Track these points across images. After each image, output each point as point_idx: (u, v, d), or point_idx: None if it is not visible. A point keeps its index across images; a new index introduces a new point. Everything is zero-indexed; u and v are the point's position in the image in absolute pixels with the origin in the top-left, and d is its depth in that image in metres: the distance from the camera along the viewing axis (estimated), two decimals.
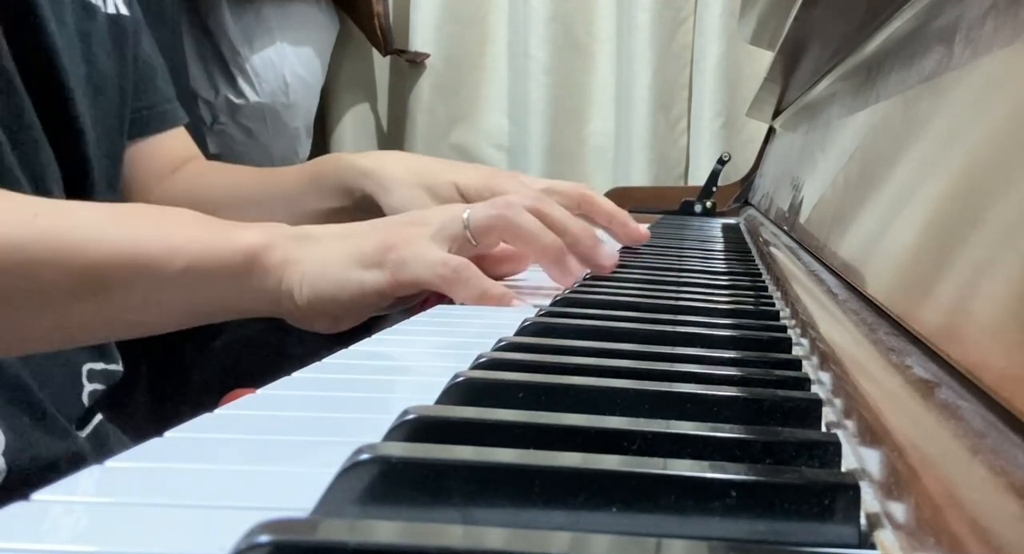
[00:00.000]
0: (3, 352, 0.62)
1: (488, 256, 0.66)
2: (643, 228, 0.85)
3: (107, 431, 0.78)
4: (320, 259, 0.58)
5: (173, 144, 0.90)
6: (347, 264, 0.58)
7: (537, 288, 0.69)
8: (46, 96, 0.70)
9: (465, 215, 0.62)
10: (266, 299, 0.58)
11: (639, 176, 1.93)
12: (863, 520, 0.25)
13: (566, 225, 0.65)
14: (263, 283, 0.58)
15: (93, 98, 0.75)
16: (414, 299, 0.64)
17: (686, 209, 1.50)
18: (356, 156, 0.84)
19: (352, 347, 0.48)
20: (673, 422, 0.31)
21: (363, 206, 0.80)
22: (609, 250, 0.69)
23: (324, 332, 0.61)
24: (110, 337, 0.63)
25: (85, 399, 0.75)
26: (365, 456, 0.25)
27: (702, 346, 0.45)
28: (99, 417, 0.78)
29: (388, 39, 1.91)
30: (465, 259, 0.60)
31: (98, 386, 0.76)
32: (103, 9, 0.77)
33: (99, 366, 0.77)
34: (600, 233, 0.75)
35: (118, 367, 0.79)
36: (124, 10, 0.80)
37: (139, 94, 0.85)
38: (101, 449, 0.75)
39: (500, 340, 0.43)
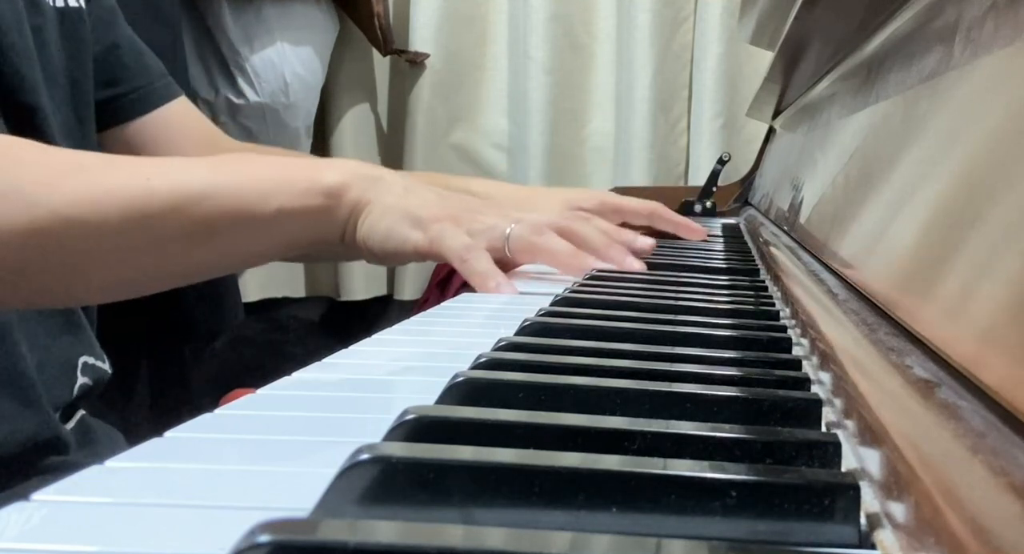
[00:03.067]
0: (132, 293, 0.67)
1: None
2: (701, 228, 1.07)
3: (90, 424, 0.79)
4: (382, 205, 0.67)
5: (183, 110, 0.94)
6: (400, 218, 0.67)
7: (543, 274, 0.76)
8: (12, 93, 0.70)
9: (508, 231, 0.71)
10: (337, 231, 0.67)
11: (639, 176, 1.93)
12: (863, 520, 0.25)
13: (596, 244, 0.74)
14: (337, 217, 0.66)
15: (49, 90, 0.76)
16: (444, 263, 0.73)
17: (686, 209, 1.50)
18: (462, 180, 0.98)
19: (352, 347, 0.49)
20: (673, 422, 0.31)
21: None
22: (634, 261, 0.76)
23: (372, 263, 0.72)
24: (217, 273, 0.69)
25: (75, 391, 0.75)
26: (365, 456, 0.25)
27: (702, 346, 0.45)
28: (82, 412, 0.78)
29: (388, 39, 1.91)
30: (486, 254, 0.68)
31: (87, 381, 0.77)
32: (51, 3, 0.78)
33: (90, 361, 0.78)
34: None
35: (106, 367, 0.80)
36: (74, 3, 0.80)
37: (132, 75, 0.87)
38: (85, 438, 0.76)
39: (500, 340, 0.43)
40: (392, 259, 0.69)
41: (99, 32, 0.84)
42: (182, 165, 0.65)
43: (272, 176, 0.64)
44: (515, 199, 0.96)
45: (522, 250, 0.71)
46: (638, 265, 0.75)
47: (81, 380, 0.76)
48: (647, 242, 0.83)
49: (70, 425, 0.75)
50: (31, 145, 0.60)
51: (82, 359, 0.77)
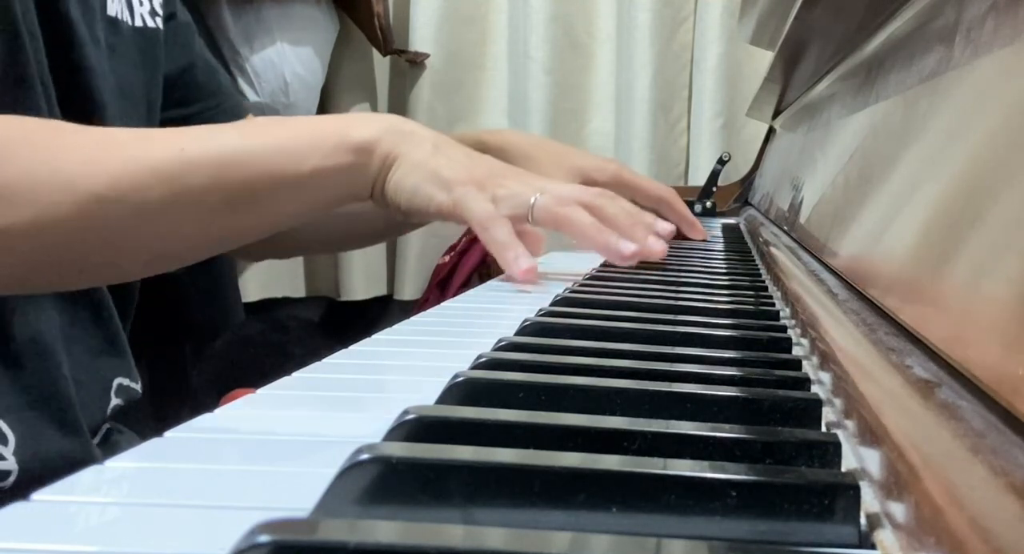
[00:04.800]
0: (176, 264, 0.67)
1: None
2: (703, 231, 1.06)
3: (117, 438, 0.78)
4: (411, 161, 0.68)
5: None
6: (427, 177, 0.68)
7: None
8: (80, 111, 0.70)
9: (532, 200, 0.70)
10: (367, 183, 0.68)
11: None
12: (863, 520, 0.25)
13: (621, 223, 0.73)
14: (368, 171, 0.67)
15: (121, 110, 0.75)
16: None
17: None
18: (478, 133, 0.97)
19: (352, 347, 0.49)
20: (673, 422, 0.31)
21: None
22: (657, 242, 0.75)
23: (397, 219, 0.72)
24: (255, 237, 0.69)
25: (108, 412, 0.75)
26: (365, 456, 0.25)
27: (702, 346, 0.45)
28: (107, 425, 0.78)
29: (388, 39, 1.91)
30: (508, 224, 0.69)
31: (120, 402, 0.77)
32: (130, 23, 0.77)
33: (125, 382, 0.77)
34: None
35: (137, 387, 0.80)
36: (152, 23, 0.80)
37: (206, 94, 0.87)
38: (112, 453, 0.75)
39: (500, 340, 0.43)
40: (416, 216, 0.70)
41: (176, 53, 0.84)
42: (213, 132, 0.65)
43: (303, 136, 0.65)
44: (527, 153, 0.95)
45: (546, 220, 0.71)
46: (661, 247, 0.74)
47: (115, 401, 0.76)
48: (667, 227, 0.82)
49: (96, 440, 0.75)
50: (67, 126, 0.60)
51: (117, 381, 0.76)
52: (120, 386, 0.77)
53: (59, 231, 0.56)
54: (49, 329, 0.67)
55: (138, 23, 0.78)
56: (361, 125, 0.67)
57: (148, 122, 0.79)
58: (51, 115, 0.67)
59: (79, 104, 0.70)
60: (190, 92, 0.86)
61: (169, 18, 0.82)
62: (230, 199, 0.61)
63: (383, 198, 0.68)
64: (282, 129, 0.66)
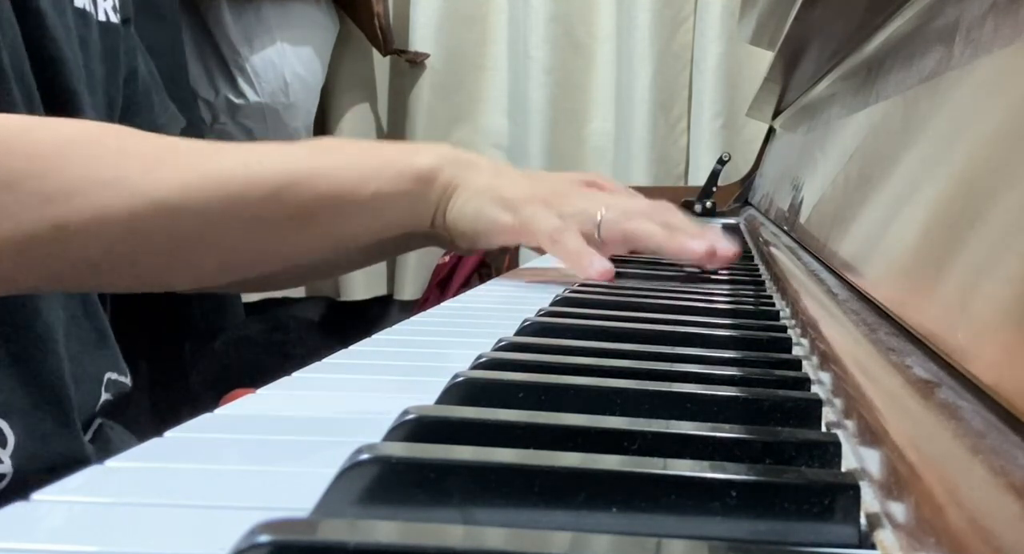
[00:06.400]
0: (233, 277, 0.67)
1: None
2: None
3: (107, 433, 0.78)
4: (472, 188, 0.68)
5: None
6: (490, 200, 0.68)
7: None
8: (57, 104, 0.70)
9: (599, 216, 0.70)
10: (428, 214, 0.67)
11: (639, 176, 1.93)
12: (863, 520, 0.25)
13: (688, 229, 0.73)
14: (428, 199, 0.67)
15: (93, 105, 0.75)
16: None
17: (686, 209, 1.50)
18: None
19: (352, 347, 0.49)
20: (673, 422, 0.31)
21: None
22: (727, 241, 0.75)
23: (462, 249, 0.72)
24: (312, 259, 0.68)
25: (98, 407, 0.75)
26: (365, 456, 0.25)
27: (702, 346, 0.45)
28: (99, 420, 0.78)
29: (388, 39, 1.91)
30: (576, 232, 0.69)
31: (109, 396, 0.76)
32: (95, 17, 0.77)
33: (114, 376, 0.77)
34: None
35: (127, 381, 0.80)
36: (114, 18, 0.80)
37: (137, 109, 0.85)
38: (104, 449, 0.75)
39: (500, 340, 0.43)
40: (481, 241, 0.70)
41: (128, 56, 0.83)
42: (279, 150, 0.65)
43: (367, 160, 0.65)
44: None
45: (614, 235, 0.70)
46: (732, 250, 0.73)
47: (104, 396, 0.76)
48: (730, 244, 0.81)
49: (88, 436, 0.75)
50: (132, 132, 0.60)
51: (108, 375, 0.76)
52: (110, 380, 0.76)
53: (116, 234, 0.55)
54: (54, 325, 0.67)
55: (101, 18, 0.78)
56: (423, 153, 0.67)
57: (109, 118, 0.79)
58: (30, 109, 0.67)
59: (56, 97, 0.70)
60: (125, 102, 0.85)
61: (124, 22, 0.82)
62: (290, 217, 0.61)
63: (444, 226, 0.68)
64: (347, 151, 0.66)
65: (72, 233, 0.54)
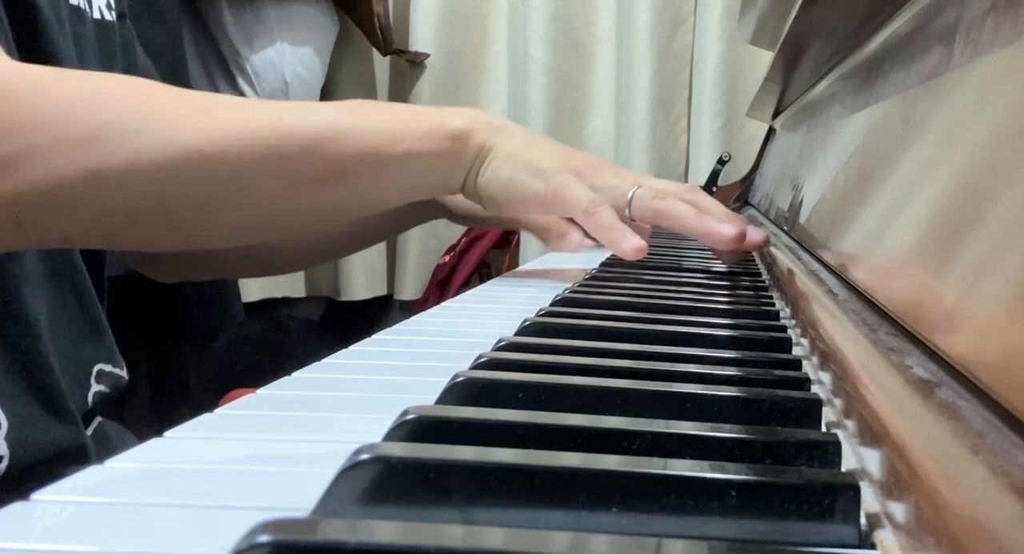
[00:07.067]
0: (262, 236, 0.68)
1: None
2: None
3: (107, 430, 0.78)
4: (505, 153, 0.67)
5: None
6: (522, 167, 0.68)
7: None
8: None
9: (630, 195, 0.71)
10: (459, 176, 0.67)
11: None
12: (863, 520, 0.25)
13: (713, 211, 0.73)
14: (460, 161, 0.67)
15: None
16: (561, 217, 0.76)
17: None
18: None
19: (352, 347, 0.49)
20: (673, 422, 0.31)
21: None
22: (754, 228, 0.75)
23: (489, 215, 0.73)
24: (342, 218, 0.69)
25: (90, 399, 0.75)
26: (365, 456, 0.25)
27: (702, 346, 0.45)
28: (99, 419, 0.78)
29: (388, 39, 1.91)
30: (609, 207, 0.69)
31: (103, 388, 0.76)
32: (90, 14, 0.77)
33: (107, 368, 0.77)
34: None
35: (123, 373, 0.79)
36: (108, 16, 0.80)
37: None
38: (105, 445, 0.75)
39: (500, 340, 0.43)
40: (511, 208, 0.69)
41: (125, 51, 0.83)
42: (312, 107, 0.65)
43: (399, 119, 0.65)
44: None
45: (644, 212, 0.71)
46: (761, 235, 0.74)
47: (96, 387, 0.75)
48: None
49: (88, 431, 0.75)
50: (162, 86, 0.60)
51: (97, 367, 0.76)
52: (102, 372, 0.76)
53: (150, 182, 0.55)
54: (39, 313, 0.67)
55: (96, 15, 0.78)
56: (456, 115, 0.67)
57: None
58: None
59: None
60: None
61: (120, 17, 0.82)
62: (322, 173, 0.61)
63: (475, 190, 0.68)
64: (379, 111, 0.66)
65: (105, 179, 0.54)
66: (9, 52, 0.64)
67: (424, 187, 0.68)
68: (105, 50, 0.79)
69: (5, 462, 0.63)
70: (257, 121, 0.59)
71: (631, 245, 0.67)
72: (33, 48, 0.67)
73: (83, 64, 0.74)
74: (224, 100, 0.62)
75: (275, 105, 0.62)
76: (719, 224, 0.71)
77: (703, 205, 0.72)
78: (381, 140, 0.62)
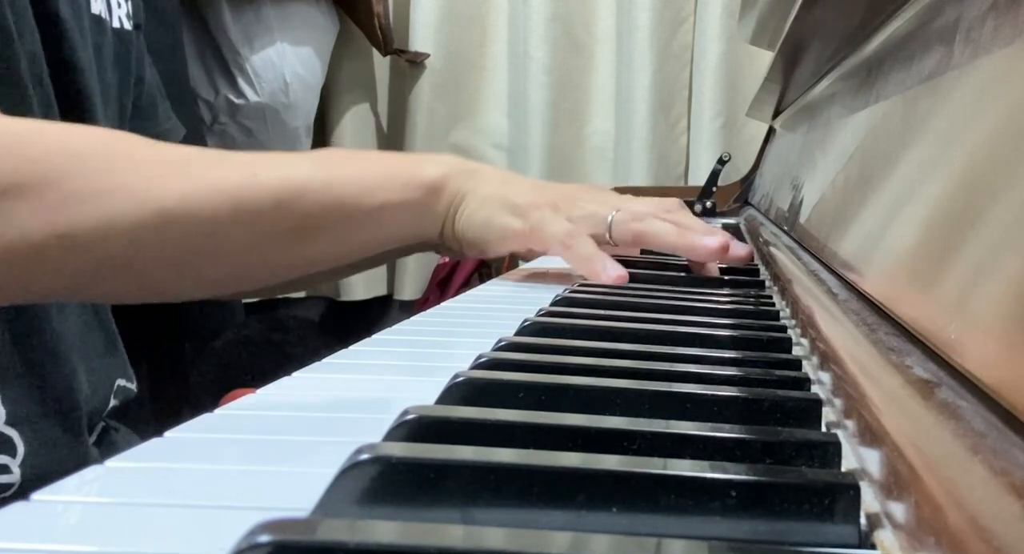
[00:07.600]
0: (238, 288, 0.67)
1: None
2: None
3: (113, 436, 0.78)
4: (480, 196, 0.68)
5: None
6: (498, 207, 0.68)
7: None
8: (74, 111, 0.70)
9: (609, 219, 0.71)
10: (435, 224, 0.67)
11: (639, 176, 1.93)
12: (863, 520, 0.25)
13: (698, 228, 0.73)
14: (435, 210, 0.67)
15: (105, 110, 0.75)
16: (541, 253, 0.75)
17: None
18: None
19: (352, 347, 0.49)
20: (673, 422, 0.31)
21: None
22: (738, 243, 0.75)
23: (473, 257, 0.71)
24: (320, 269, 0.67)
25: (105, 414, 0.75)
26: (365, 456, 0.25)
27: (702, 346, 0.45)
28: (102, 424, 0.78)
29: (388, 39, 1.91)
30: (587, 237, 0.69)
31: (117, 403, 0.76)
32: (110, 23, 0.77)
33: (123, 383, 0.77)
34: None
35: (133, 386, 0.80)
36: (127, 25, 0.80)
37: (143, 115, 0.85)
38: (109, 451, 0.75)
39: (500, 340, 0.43)
40: (491, 248, 0.70)
41: (139, 62, 0.83)
42: (285, 160, 0.65)
43: (373, 170, 0.64)
44: None
45: (625, 236, 0.71)
46: (745, 250, 0.74)
47: (113, 403, 0.76)
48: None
49: (93, 438, 0.75)
50: (140, 140, 0.59)
51: (118, 382, 0.76)
52: (119, 387, 0.76)
53: (123, 242, 0.55)
54: (67, 334, 0.67)
55: (115, 24, 0.78)
56: (430, 164, 0.67)
57: (120, 124, 0.79)
58: (47, 115, 0.66)
59: (72, 103, 0.69)
60: (131, 109, 0.84)
61: (136, 27, 0.82)
62: (298, 227, 0.61)
63: (454, 235, 0.68)
64: (355, 162, 0.66)
65: (78, 242, 0.54)
66: (36, 63, 0.65)
67: (399, 238, 0.67)
68: (122, 60, 0.79)
69: (15, 489, 0.63)
70: (231, 177, 0.58)
71: (609, 275, 0.67)
72: (55, 56, 0.68)
73: (101, 73, 0.74)
74: (198, 155, 0.61)
75: (250, 158, 0.62)
76: (700, 237, 0.71)
77: (683, 222, 0.72)
78: (356, 192, 0.62)
